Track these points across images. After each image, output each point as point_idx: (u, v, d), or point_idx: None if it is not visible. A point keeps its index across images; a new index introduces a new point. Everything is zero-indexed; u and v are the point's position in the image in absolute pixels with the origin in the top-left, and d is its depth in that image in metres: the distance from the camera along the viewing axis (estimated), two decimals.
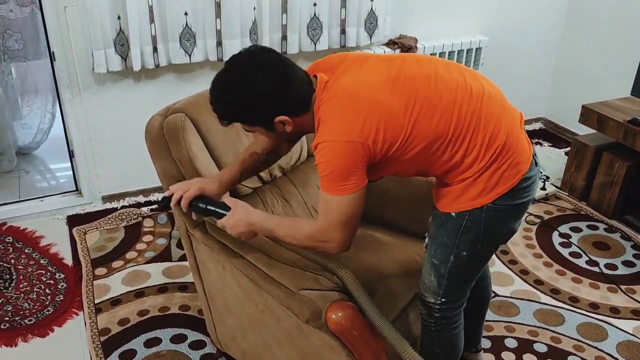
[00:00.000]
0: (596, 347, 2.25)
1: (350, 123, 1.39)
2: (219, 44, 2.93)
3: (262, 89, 1.39)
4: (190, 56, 2.91)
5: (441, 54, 3.54)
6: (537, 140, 3.90)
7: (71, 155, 3.06)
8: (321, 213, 1.48)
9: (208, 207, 1.62)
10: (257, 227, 1.57)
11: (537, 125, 4.15)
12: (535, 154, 1.56)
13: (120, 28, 2.72)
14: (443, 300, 1.65)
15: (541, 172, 2.74)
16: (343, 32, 3.20)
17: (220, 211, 1.60)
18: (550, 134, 4.06)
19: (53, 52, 2.78)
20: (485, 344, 2.25)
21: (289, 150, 1.84)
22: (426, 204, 2.07)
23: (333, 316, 1.50)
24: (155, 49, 2.81)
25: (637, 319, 2.40)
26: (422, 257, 1.95)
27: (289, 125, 1.46)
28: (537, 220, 3.06)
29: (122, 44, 2.75)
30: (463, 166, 1.49)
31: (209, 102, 1.49)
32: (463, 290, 1.69)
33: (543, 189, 3.26)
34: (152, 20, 2.75)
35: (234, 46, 2.94)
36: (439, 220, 1.58)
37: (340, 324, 1.50)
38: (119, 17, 2.70)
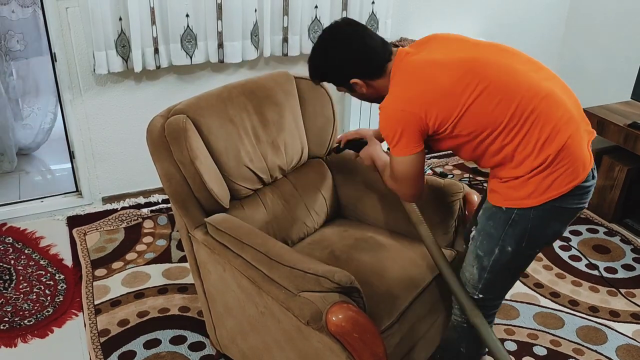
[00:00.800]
0: (596, 351, 2.25)
1: (408, 93, 1.56)
2: (220, 45, 2.93)
3: (336, 55, 1.65)
4: (191, 58, 2.91)
5: None
6: None
7: (72, 156, 3.06)
8: (389, 172, 1.70)
9: (354, 142, 2.02)
10: (377, 164, 1.84)
11: None
12: (594, 168, 1.59)
13: (122, 29, 2.73)
14: (480, 296, 1.71)
15: None
16: None
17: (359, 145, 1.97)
18: None
19: (54, 53, 2.78)
20: None
21: None
22: (426, 208, 2.09)
23: (333, 318, 1.50)
24: (156, 51, 2.82)
25: (636, 323, 2.40)
26: (422, 259, 1.97)
27: (363, 87, 1.67)
28: None
29: (123, 45, 2.76)
30: (514, 162, 1.54)
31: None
32: (501, 289, 1.74)
33: None
34: (153, 22, 2.76)
35: (234, 48, 2.94)
36: (489, 212, 1.64)
37: (341, 326, 1.50)
38: (120, 19, 2.71)
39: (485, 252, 1.64)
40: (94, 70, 2.77)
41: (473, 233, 1.72)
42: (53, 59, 2.81)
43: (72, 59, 2.80)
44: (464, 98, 1.51)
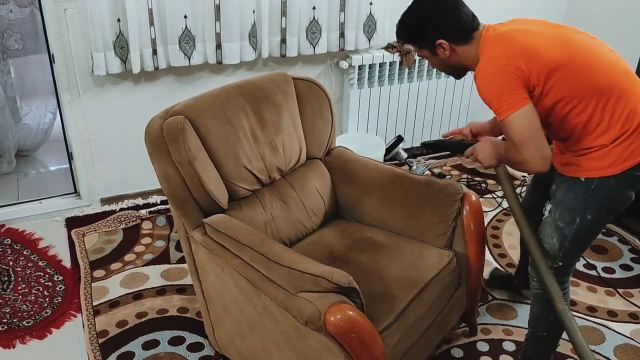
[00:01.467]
0: (594, 351, 2.25)
1: (508, 50, 1.64)
2: (218, 47, 2.93)
3: (428, 12, 1.74)
4: (189, 59, 2.91)
5: None
6: None
7: (70, 157, 3.06)
8: (508, 140, 1.68)
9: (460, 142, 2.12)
10: (502, 157, 1.80)
11: None
12: None
13: (120, 30, 2.73)
14: (560, 264, 1.81)
15: None
16: (342, 35, 3.21)
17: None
18: None
19: (53, 54, 2.78)
20: (483, 347, 2.25)
21: None
22: (425, 208, 2.09)
23: (332, 318, 1.50)
24: (154, 52, 2.82)
25: (634, 322, 2.41)
26: (421, 259, 1.97)
27: (447, 50, 1.74)
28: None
29: (121, 47, 2.76)
30: (598, 130, 1.65)
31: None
32: (578, 255, 1.87)
33: None
34: (151, 23, 2.76)
35: (233, 49, 2.94)
36: (567, 185, 1.74)
37: (339, 326, 1.50)
38: (118, 20, 2.71)
39: (566, 222, 1.75)
40: (92, 71, 2.77)
41: (549, 207, 1.81)
42: (51, 60, 2.81)
43: (70, 60, 2.80)
44: (559, 59, 1.62)
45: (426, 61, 3.49)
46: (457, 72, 1.88)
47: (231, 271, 1.77)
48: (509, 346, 2.26)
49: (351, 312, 1.53)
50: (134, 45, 2.74)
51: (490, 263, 2.75)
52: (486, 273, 2.40)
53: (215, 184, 1.88)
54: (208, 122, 1.90)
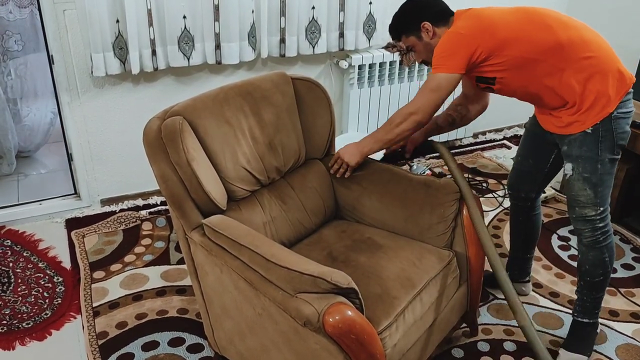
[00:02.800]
0: (595, 350, 2.24)
1: (463, 23, 1.94)
2: (218, 47, 2.93)
3: (413, 1, 2.07)
4: (188, 59, 2.91)
5: None
6: None
7: (70, 158, 3.06)
8: (418, 92, 2.01)
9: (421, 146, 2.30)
10: (369, 150, 2.13)
11: None
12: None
13: (119, 31, 2.73)
14: (602, 209, 2.00)
15: None
16: (341, 35, 3.21)
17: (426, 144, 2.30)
18: None
19: (52, 56, 2.78)
20: (484, 347, 2.25)
21: (475, 116, 2.33)
22: (424, 208, 2.08)
23: (330, 319, 1.50)
24: (154, 52, 2.82)
25: (636, 322, 2.40)
26: (420, 260, 1.96)
27: (430, 32, 2.01)
28: None
29: (120, 47, 2.76)
30: (572, 88, 1.90)
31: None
32: (609, 195, 2.03)
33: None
34: (150, 24, 2.76)
35: (232, 49, 2.94)
36: (579, 142, 1.95)
37: (338, 327, 1.49)
38: (117, 21, 2.71)
39: (591, 172, 1.96)
40: (92, 72, 2.77)
41: (570, 166, 2.00)
42: (50, 61, 2.81)
43: (69, 61, 2.80)
44: (522, 28, 1.90)
45: None
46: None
47: (230, 272, 1.76)
48: (510, 346, 2.26)
49: (350, 313, 1.52)
50: (133, 46, 2.73)
51: None
52: None
53: (214, 184, 1.87)
54: (206, 122, 1.90)
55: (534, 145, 2.25)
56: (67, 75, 2.82)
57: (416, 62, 3.45)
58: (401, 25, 2.09)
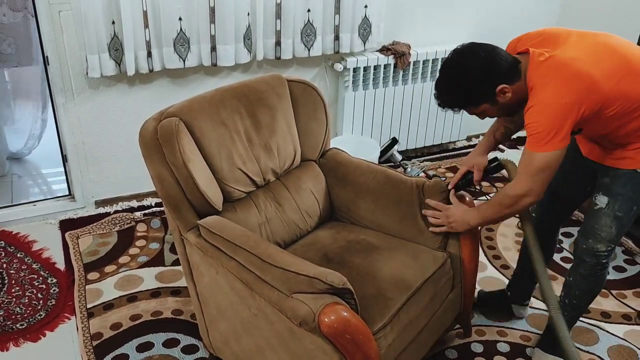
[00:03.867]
0: (587, 351, 2.26)
1: (563, 88, 1.63)
2: (213, 49, 2.94)
3: (476, 65, 1.68)
4: (184, 61, 2.92)
5: (434, 61, 3.56)
6: None
7: (64, 159, 3.05)
8: (520, 170, 1.76)
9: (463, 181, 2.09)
10: (475, 225, 1.97)
11: None
12: None
13: (115, 33, 2.73)
14: (612, 246, 1.94)
15: None
16: (337, 38, 3.22)
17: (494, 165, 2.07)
18: None
19: (47, 57, 2.78)
20: (477, 348, 2.26)
21: (515, 131, 2.08)
22: (417, 209, 2.10)
23: (326, 319, 1.51)
24: (149, 54, 2.82)
25: (627, 324, 2.42)
26: (415, 261, 1.97)
27: (509, 92, 1.70)
28: None
29: (116, 49, 2.76)
30: None
31: (435, 97, 1.80)
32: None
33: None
34: (146, 25, 2.76)
35: (227, 51, 2.95)
36: (625, 179, 1.84)
37: (333, 327, 1.51)
38: (113, 22, 2.71)
39: (625, 212, 1.87)
40: (87, 73, 2.77)
41: (605, 199, 1.88)
42: (45, 62, 2.81)
43: (64, 62, 2.79)
44: (613, 82, 1.66)
45: (420, 63, 3.55)
46: (516, 109, 1.82)
47: (225, 273, 1.77)
48: (504, 347, 2.27)
49: (345, 313, 1.53)
50: (128, 48, 2.74)
51: (486, 267, 2.75)
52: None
53: (210, 185, 1.88)
54: (202, 124, 1.91)
55: (572, 171, 2.03)
56: (62, 76, 2.82)
57: (411, 65, 3.51)
58: (469, 102, 1.76)
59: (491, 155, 2.12)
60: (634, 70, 1.69)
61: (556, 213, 2.20)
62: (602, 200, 1.89)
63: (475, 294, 2.37)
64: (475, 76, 1.69)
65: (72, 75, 2.83)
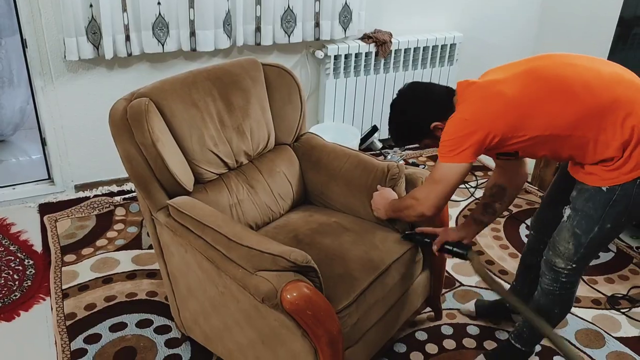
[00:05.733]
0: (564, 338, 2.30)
1: (470, 106, 1.70)
2: (192, 34, 2.94)
3: (412, 107, 1.84)
4: (163, 46, 2.92)
5: (415, 49, 3.58)
6: None
7: (43, 143, 3.05)
8: (427, 178, 1.86)
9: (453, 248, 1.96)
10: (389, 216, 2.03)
11: None
12: None
13: (92, 16, 2.73)
14: (573, 266, 1.83)
15: None
16: (317, 25, 3.23)
17: (460, 251, 1.94)
18: None
19: (25, 39, 2.77)
20: (448, 330, 2.29)
21: (517, 191, 1.99)
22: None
23: (288, 296, 1.53)
24: (127, 38, 2.82)
25: (596, 308, 2.46)
26: (384, 243, 2.00)
27: (443, 127, 1.76)
28: (506, 213, 3.11)
29: (94, 32, 2.76)
30: (607, 145, 1.63)
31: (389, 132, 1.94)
32: (591, 259, 1.88)
33: None
34: (124, 9, 2.76)
35: (207, 37, 2.95)
36: (588, 194, 1.73)
37: (295, 303, 1.53)
38: (90, 5, 2.70)
39: (584, 231, 1.76)
40: (65, 56, 2.77)
41: (568, 212, 1.81)
42: (24, 45, 2.80)
43: (42, 45, 2.79)
44: (531, 104, 1.65)
45: (402, 52, 3.56)
46: None
47: (194, 252, 1.79)
48: (473, 330, 2.30)
49: (307, 290, 1.55)
50: (106, 31, 2.74)
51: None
52: (470, 305, 2.36)
53: (180, 166, 1.89)
54: (173, 105, 1.92)
55: (569, 189, 1.88)
56: (40, 59, 2.82)
57: (392, 54, 3.53)
58: (410, 138, 1.90)
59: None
60: (567, 91, 1.64)
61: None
62: (566, 212, 1.82)
63: (470, 305, 2.38)
64: (410, 118, 1.85)
65: (50, 59, 2.83)
